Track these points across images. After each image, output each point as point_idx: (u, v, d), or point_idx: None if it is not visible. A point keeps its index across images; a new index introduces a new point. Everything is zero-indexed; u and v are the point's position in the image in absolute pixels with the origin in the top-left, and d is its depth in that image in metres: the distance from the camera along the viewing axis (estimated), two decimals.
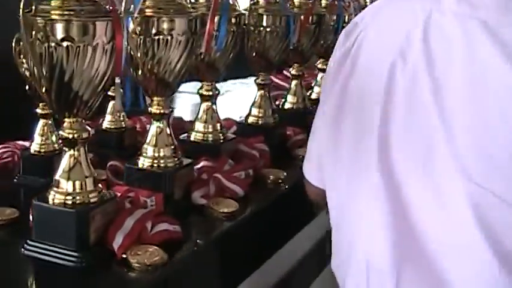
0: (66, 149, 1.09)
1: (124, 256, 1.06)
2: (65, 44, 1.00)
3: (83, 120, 1.09)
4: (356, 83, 0.99)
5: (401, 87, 0.92)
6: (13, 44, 1.32)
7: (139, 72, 1.25)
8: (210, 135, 1.53)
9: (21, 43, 1.29)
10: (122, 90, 1.31)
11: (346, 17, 2.14)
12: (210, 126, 1.53)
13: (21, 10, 0.99)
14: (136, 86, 1.29)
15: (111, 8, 1.04)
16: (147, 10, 1.22)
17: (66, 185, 1.08)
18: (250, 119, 1.76)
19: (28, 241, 1.07)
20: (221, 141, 1.53)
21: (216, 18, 1.39)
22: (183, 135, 1.54)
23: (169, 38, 1.22)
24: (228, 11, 1.43)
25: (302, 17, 1.81)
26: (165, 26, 1.22)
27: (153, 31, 1.21)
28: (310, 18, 1.87)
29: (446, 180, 0.88)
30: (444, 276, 0.89)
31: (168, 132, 1.31)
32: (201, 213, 1.29)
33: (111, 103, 1.61)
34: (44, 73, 1.02)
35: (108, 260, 1.06)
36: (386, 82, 0.93)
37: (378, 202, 0.93)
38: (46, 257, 1.05)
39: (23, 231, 1.10)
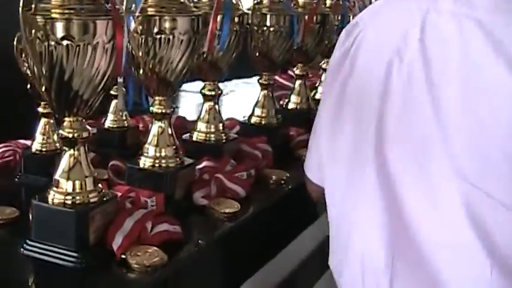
0: (66, 149, 1.08)
1: (123, 257, 1.05)
2: (65, 42, 0.99)
3: (83, 120, 1.08)
4: (355, 83, 0.99)
5: (398, 87, 0.93)
6: (14, 43, 1.31)
7: (141, 71, 1.24)
8: (212, 135, 1.52)
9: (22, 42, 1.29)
10: (124, 90, 1.32)
11: (351, 17, 2.12)
12: (213, 126, 1.53)
13: (20, 8, 0.98)
14: (139, 85, 1.29)
15: (111, 6, 1.03)
16: (149, 9, 1.22)
17: (66, 185, 1.07)
18: (253, 119, 1.75)
19: (27, 241, 1.07)
20: (223, 141, 1.53)
21: (219, 18, 1.39)
22: (185, 135, 1.53)
23: (171, 37, 1.21)
24: (231, 10, 1.43)
25: (306, 16, 1.80)
26: (167, 25, 1.21)
27: (155, 30, 1.21)
28: (315, 18, 1.87)
29: (441, 180, 0.89)
30: (438, 276, 0.90)
31: (170, 132, 1.31)
32: (202, 214, 1.29)
33: (113, 102, 1.61)
34: (44, 72, 1.01)
35: (108, 260, 1.05)
36: (384, 82, 0.94)
37: (374, 202, 0.94)
38: (45, 257, 1.04)
39: (22, 231, 1.10)
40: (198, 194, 1.31)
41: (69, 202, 1.06)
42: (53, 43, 0.99)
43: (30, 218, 1.08)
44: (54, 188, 1.07)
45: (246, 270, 1.31)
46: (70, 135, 1.07)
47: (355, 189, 0.98)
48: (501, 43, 0.85)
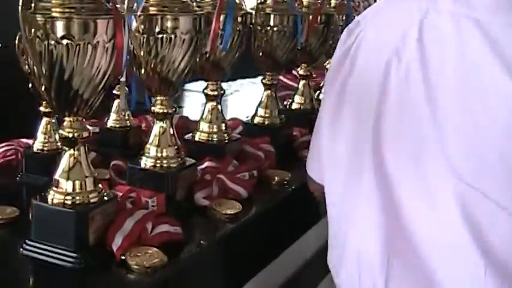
0: (66, 149, 1.08)
1: (123, 258, 1.04)
2: (64, 42, 0.99)
3: (84, 119, 1.08)
4: (354, 82, 0.99)
5: (395, 87, 0.93)
6: (16, 42, 1.31)
7: (142, 71, 1.24)
8: (214, 136, 1.51)
9: None
10: (127, 89, 1.31)
11: (356, 17, 2.11)
12: (215, 127, 1.52)
13: (20, 7, 0.97)
14: (142, 84, 1.28)
15: (112, 5, 1.03)
16: (150, 8, 1.21)
17: (66, 185, 1.06)
18: (257, 119, 1.75)
19: (27, 241, 1.06)
20: (226, 141, 1.52)
21: (222, 17, 1.38)
22: (187, 135, 1.53)
23: (172, 36, 1.20)
24: (234, 10, 1.42)
25: (310, 16, 1.79)
26: (168, 24, 1.20)
27: (157, 29, 1.20)
28: (319, 18, 1.86)
29: (437, 180, 0.88)
30: (434, 276, 0.90)
31: (172, 132, 1.30)
32: (204, 215, 1.28)
33: (116, 102, 1.60)
34: (44, 71, 1.01)
35: (107, 261, 1.05)
36: (382, 82, 0.94)
37: (371, 201, 0.94)
38: (44, 257, 1.04)
39: (22, 231, 1.09)
40: (199, 194, 1.30)
41: (69, 202, 1.06)
42: (52, 42, 0.99)
43: (31, 217, 1.08)
44: (54, 188, 1.07)
45: (248, 272, 1.31)
46: (70, 135, 1.06)
47: (353, 189, 0.98)
48: (497, 43, 0.85)
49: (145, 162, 1.28)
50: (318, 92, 2.18)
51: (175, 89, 1.28)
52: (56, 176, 1.07)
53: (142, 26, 1.20)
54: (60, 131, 1.07)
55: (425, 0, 0.93)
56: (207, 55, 1.43)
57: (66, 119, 1.06)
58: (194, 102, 2.33)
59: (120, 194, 1.16)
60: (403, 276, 0.93)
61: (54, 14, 0.99)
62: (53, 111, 1.31)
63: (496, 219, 0.85)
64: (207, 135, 1.51)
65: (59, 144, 1.39)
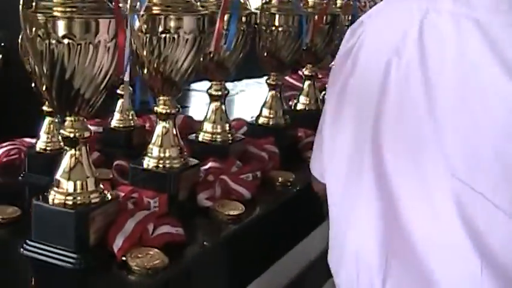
0: (67, 148, 1.07)
1: (124, 259, 1.04)
2: (66, 41, 0.98)
3: (85, 119, 1.07)
4: (355, 82, 0.99)
5: (395, 86, 0.93)
6: (19, 41, 1.30)
7: (145, 71, 1.23)
8: (218, 136, 1.51)
9: None
10: (131, 89, 1.31)
11: None
12: (219, 127, 1.51)
13: (20, 6, 0.97)
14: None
15: (114, 5, 1.02)
16: (154, 8, 1.20)
17: (67, 185, 1.06)
18: (261, 120, 1.74)
19: (27, 241, 1.05)
20: (229, 142, 1.51)
21: (226, 17, 1.37)
22: (191, 136, 1.52)
23: (176, 36, 1.20)
24: (238, 10, 1.41)
25: (316, 16, 1.78)
26: (172, 24, 1.20)
27: (160, 29, 1.19)
28: (324, 18, 1.85)
29: (435, 180, 0.89)
30: (432, 276, 0.90)
31: (174, 132, 1.29)
32: (206, 216, 1.27)
33: (119, 101, 1.60)
34: (45, 71, 1.00)
35: (108, 262, 1.04)
36: (382, 81, 0.94)
37: (370, 202, 0.94)
38: (45, 258, 1.03)
39: (23, 231, 1.08)
40: (202, 195, 1.29)
41: (69, 202, 1.05)
42: (54, 41, 0.98)
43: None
44: (55, 188, 1.06)
45: (251, 274, 1.30)
46: (71, 135, 1.06)
47: (353, 189, 0.98)
48: (496, 43, 0.85)
49: (148, 163, 1.27)
50: (323, 92, 2.17)
51: (178, 89, 1.27)
52: (57, 176, 1.07)
53: (145, 26, 1.19)
54: (62, 131, 1.06)
55: (425, 0, 0.93)
56: (211, 55, 1.42)
57: (68, 118, 1.06)
58: (200, 102, 2.32)
59: (122, 194, 1.15)
60: (400, 276, 0.93)
61: (55, 13, 0.98)
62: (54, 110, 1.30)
63: (492, 219, 0.86)
64: (210, 135, 1.51)
65: (62, 144, 1.38)
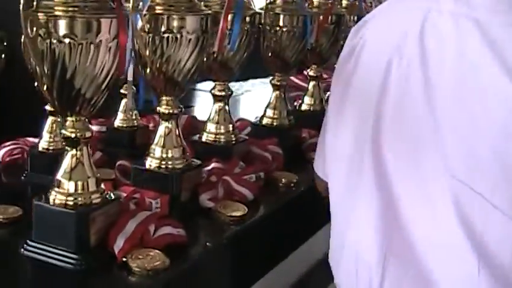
0: (68, 149, 1.06)
1: (124, 260, 1.03)
2: (67, 40, 0.97)
3: (86, 119, 1.06)
4: (356, 81, 0.99)
5: (395, 86, 0.92)
6: (22, 40, 1.30)
7: (148, 70, 1.22)
8: (221, 137, 1.50)
9: None
10: (134, 88, 1.30)
11: None
12: (222, 127, 1.50)
13: (21, 6, 0.96)
14: None
15: (116, 4, 1.01)
16: (156, 7, 1.20)
17: (68, 186, 1.05)
18: (265, 120, 1.73)
19: (28, 241, 1.05)
20: (233, 142, 1.51)
21: (230, 17, 1.36)
22: (194, 136, 1.52)
23: (178, 36, 1.19)
24: (242, 9, 1.40)
25: (321, 17, 1.77)
26: (175, 24, 1.19)
27: (163, 29, 1.19)
28: (329, 18, 1.84)
29: (434, 180, 0.88)
30: (430, 276, 0.90)
31: (177, 132, 1.29)
32: (208, 217, 1.26)
33: (123, 101, 1.59)
34: (46, 70, 1.00)
35: (109, 263, 1.04)
36: (382, 81, 0.93)
37: (370, 202, 0.94)
38: (45, 258, 1.03)
39: (24, 231, 1.08)
40: (204, 196, 1.29)
41: (70, 203, 1.04)
42: (55, 41, 0.98)
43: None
44: (56, 189, 1.06)
45: (253, 276, 1.29)
46: (72, 135, 1.05)
47: (353, 189, 0.98)
48: (496, 43, 0.84)
49: (150, 163, 1.27)
50: (328, 93, 2.16)
51: (181, 89, 1.27)
52: (58, 177, 1.06)
53: (148, 25, 1.19)
54: (63, 131, 1.06)
55: (427, 0, 0.92)
56: (215, 55, 1.41)
57: (69, 118, 1.05)
58: (205, 102, 2.31)
59: (124, 194, 1.15)
60: (399, 275, 0.93)
61: (56, 13, 0.98)
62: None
63: (490, 219, 0.85)
64: (214, 136, 1.50)
65: (64, 143, 1.38)
